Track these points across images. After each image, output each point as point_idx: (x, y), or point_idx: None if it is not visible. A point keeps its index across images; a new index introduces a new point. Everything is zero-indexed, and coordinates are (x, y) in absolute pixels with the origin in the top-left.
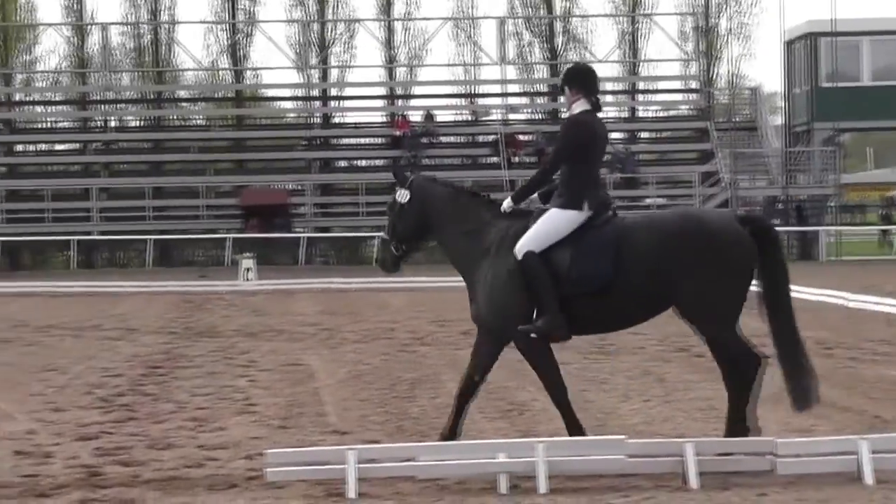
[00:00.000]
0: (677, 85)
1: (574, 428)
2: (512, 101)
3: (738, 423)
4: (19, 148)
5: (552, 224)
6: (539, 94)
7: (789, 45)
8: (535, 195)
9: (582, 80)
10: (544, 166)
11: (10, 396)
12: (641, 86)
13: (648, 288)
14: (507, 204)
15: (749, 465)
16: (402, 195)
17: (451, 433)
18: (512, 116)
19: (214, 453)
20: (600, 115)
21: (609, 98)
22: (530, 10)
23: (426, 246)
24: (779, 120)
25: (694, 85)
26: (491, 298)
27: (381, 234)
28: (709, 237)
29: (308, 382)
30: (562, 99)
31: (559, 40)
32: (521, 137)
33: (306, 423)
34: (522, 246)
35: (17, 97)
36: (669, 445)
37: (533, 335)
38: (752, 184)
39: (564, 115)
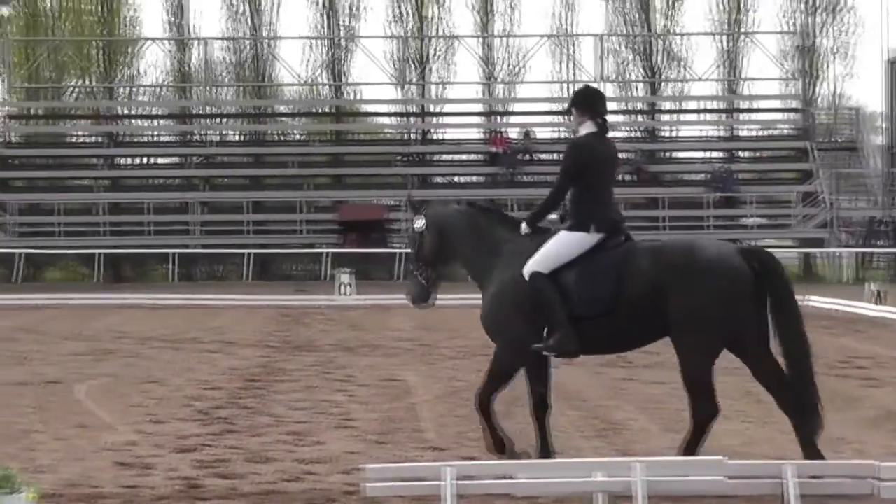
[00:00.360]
0: (777, 104)
1: (544, 443)
2: (610, 118)
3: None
4: (121, 161)
5: (560, 246)
6: (637, 111)
7: (892, 64)
8: (556, 216)
9: (587, 102)
10: (552, 190)
11: (112, 407)
12: (741, 104)
13: (646, 311)
14: (523, 227)
15: (850, 489)
16: (419, 223)
17: (545, 451)
18: (610, 134)
19: (312, 467)
20: (615, 134)
21: (708, 116)
22: (629, 27)
23: (452, 271)
24: (881, 140)
25: (794, 104)
26: (491, 310)
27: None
28: (701, 265)
29: (405, 398)
30: (663, 117)
31: (658, 58)
32: (620, 156)
33: (403, 439)
34: (530, 267)
35: (120, 111)
36: (769, 467)
37: (545, 353)
38: (852, 204)
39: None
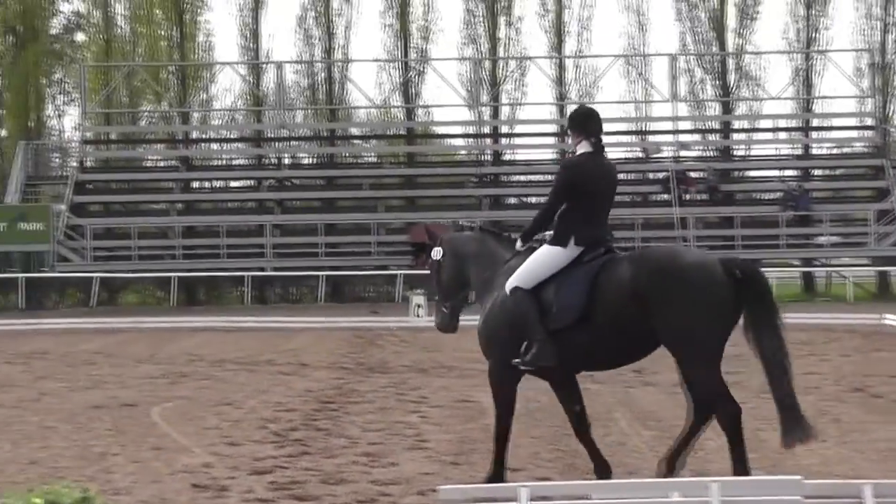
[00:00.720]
0: (852, 122)
1: (498, 463)
2: (683, 138)
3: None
4: (196, 185)
5: (539, 261)
6: (711, 130)
7: None
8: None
9: (580, 122)
10: (543, 207)
11: (187, 430)
12: (815, 123)
13: (627, 320)
14: (518, 245)
15: None
16: (437, 252)
17: (600, 468)
18: (683, 153)
19: (387, 488)
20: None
21: (783, 135)
22: (702, 46)
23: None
24: None
25: (869, 122)
26: (482, 327)
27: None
28: (680, 275)
29: (479, 419)
30: (736, 136)
31: (731, 77)
32: (693, 174)
33: (478, 460)
34: (511, 282)
35: (194, 135)
36: (847, 487)
37: (522, 367)
38: None
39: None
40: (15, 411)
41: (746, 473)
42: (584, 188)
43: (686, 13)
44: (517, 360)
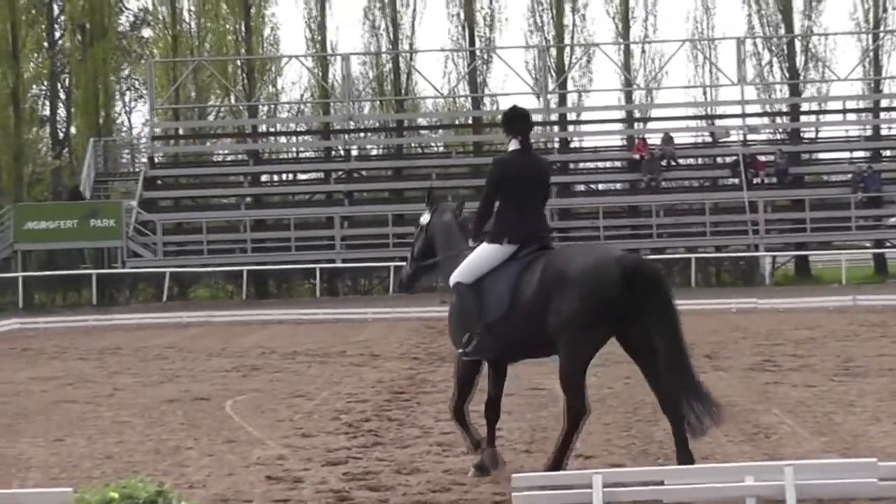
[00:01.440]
0: None
1: (467, 437)
2: (751, 121)
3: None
4: (264, 178)
5: (478, 257)
6: (779, 113)
7: None
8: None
9: (508, 122)
10: (480, 203)
11: (261, 423)
12: (884, 103)
13: (535, 317)
14: (470, 241)
15: None
16: (425, 217)
17: (473, 444)
18: (751, 137)
19: (461, 478)
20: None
21: (851, 116)
22: (769, 29)
23: (429, 278)
24: None
25: None
26: (448, 318)
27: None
28: (573, 273)
29: (551, 406)
30: (803, 118)
31: (799, 59)
32: (762, 158)
33: (551, 448)
34: (454, 277)
35: (262, 128)
36: None
37: (464, 357)
38: None
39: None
40: (89, 407)
41: (556, 469)
42: (512, 183)
43: None
44: (460, 350)
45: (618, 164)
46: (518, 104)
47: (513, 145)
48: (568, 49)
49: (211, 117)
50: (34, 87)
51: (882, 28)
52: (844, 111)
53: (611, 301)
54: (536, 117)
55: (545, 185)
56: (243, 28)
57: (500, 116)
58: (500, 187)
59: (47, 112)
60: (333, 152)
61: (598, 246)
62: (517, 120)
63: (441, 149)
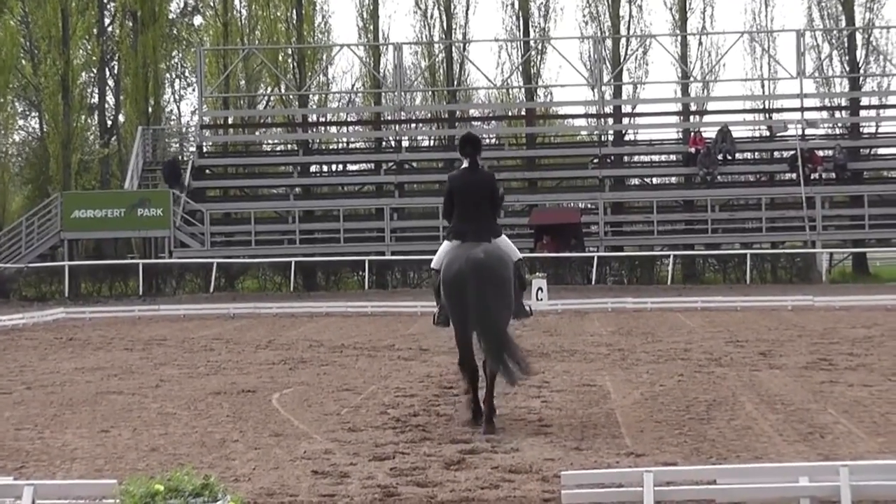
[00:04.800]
0: None
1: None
2: (810, 115)
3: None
4: (314, 169)
5: (441, 249)
6: (839, 108)
7: None
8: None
9: (461, 146)
10: (443, 209)
11: (308, 416)
12: None
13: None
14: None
15: None
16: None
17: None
18: (810, 131)
19: (509, 475)
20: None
21: None
22: (830, 21)
23: None
24: None
25: None
26: None
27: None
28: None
29: (602, 403)
30: (863, 113)
31: (860, 52)
32: (820, 153)
33: (601, 445)
34: (433, 263)
35: (312, 118)
36: None
37: (434, 324)
38: None
39: None
40: (135, 398)
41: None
42: (458, 194)
43: None
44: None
45: (673, 157)
46: (471, 131)
47: (465, 164)
48: (624, 40)
49: (260, 106)
50: (83, 74)
51: None
52: None
53: (456, 290)
54: (590, 110)
55: (487, 195)
56: (294, 16)
57: (552, 108)
58: (452, 198)
59: (96, 100)
60: (384, 143)
61: (474, 247)
62: (467, 144)
63: (493, 140)
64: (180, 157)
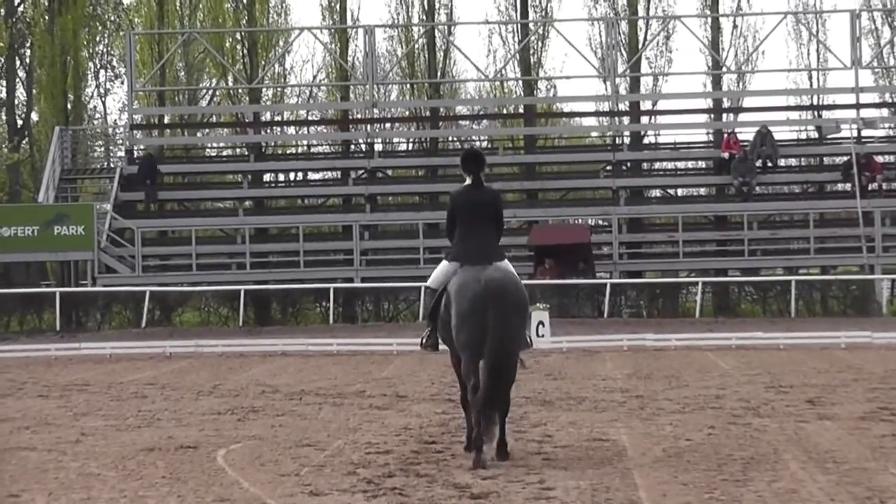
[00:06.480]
0: None
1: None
2: (867, 113)
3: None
4: (268, 178)
5: (439, 269)
6: None
7: None
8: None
9: (463, 163)
10: (446, 228)
11: (260, 477)
12: None
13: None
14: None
15: None
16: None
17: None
18: (868, 133)
19: None
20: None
21: None
22: (891, 0)
23: None
24: None
25: None
26: None
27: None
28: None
29: (616, 462)
30: None
31: None
32: (879, 159)
33: None
34: (428, 282)
35: (266, 117)
36: None
37: (420, 347)
38: None
39: None
40: (51, 455)
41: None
42: (461, 213)
43: None
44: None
45: (702, 164)
46: (473, 146)
47: (468, 181)
48: (642, 23)
49: (204, 102)
50: None
51: None
52: None
53: (471, 314)
54: (601, 106)
55: (491, 214)
56: None
57: (556, 104)
58: (454, 218)
59: (3, 94)
60: (353, 146)
61: (486, 269)
62: (471, 162)
63: (485, 143)
64: (153, 154)
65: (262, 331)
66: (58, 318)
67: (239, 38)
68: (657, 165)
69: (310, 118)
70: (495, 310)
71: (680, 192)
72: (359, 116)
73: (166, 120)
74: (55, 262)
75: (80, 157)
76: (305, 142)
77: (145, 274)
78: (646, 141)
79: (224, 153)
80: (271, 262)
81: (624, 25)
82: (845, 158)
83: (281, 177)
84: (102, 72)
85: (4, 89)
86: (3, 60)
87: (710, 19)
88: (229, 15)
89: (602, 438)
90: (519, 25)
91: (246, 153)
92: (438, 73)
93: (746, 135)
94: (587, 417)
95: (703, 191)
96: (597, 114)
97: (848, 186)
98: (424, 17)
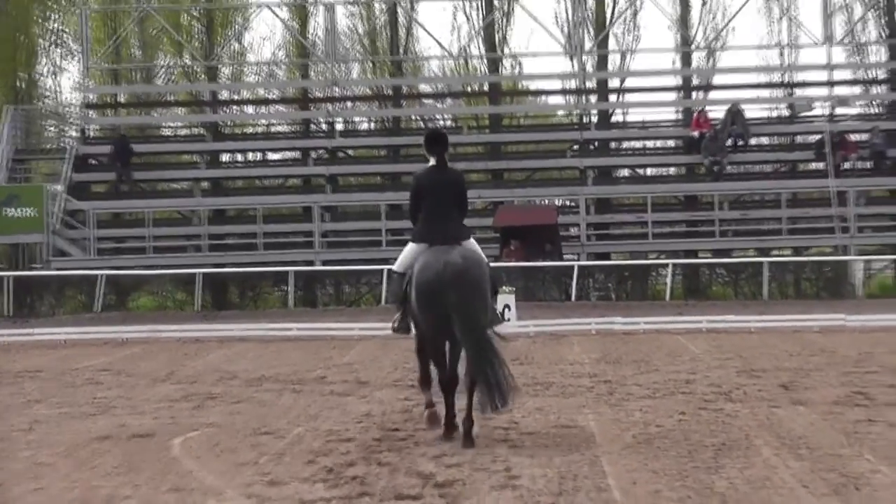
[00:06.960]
0: None
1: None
2: (840, 91)
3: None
4: (225, 158)
5: (404, 252)
6: (875, 81)
7: None
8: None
9: (426, 144)
10: (409, 210)
11: (217, 467)
12: None
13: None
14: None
15: None
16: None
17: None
18: (841, 111)
19: None
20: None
21: None
22: None
23: None
24: None
25: None
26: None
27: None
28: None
29: (584, 449)
30: None
31: None
32: (853, 138)
33: (583, 501)
34: (394, 266)
35: (224, 95)
36: None
37: (392, 331)
38: None
39: None
40: (2, 444)
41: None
42: (425, 195)
43: None
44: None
45: (671, 143)
46: (437, 127)
47: (432, 162)
48: None
49: (159, 81)
50: None
51: None
52: None
53: (434, 294)
54: (569, 83)
55: (456, 195)
56: None
57: (521, 82)
58: (418, 197)
59: None
60: (313, 126)
61: (448, 251)
62: (433, 142)
63: (450, 122)
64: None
65: (220, 315)
66: (9, 303)
67: (196, 14)
68: (625, 144)
69: (269, 97)
70: (457, 292)
71: (649, 171)
72: (319, 95)
73: (121, 99)
74: (6, 245)
75: (33, 137)
76: (264, 121)
77: (99, 257)
78: (614, 119)
79: (180, 133)
80: (229, 244)
81: (591, 1)
82: (818, 137)
83: (239, 157)
84: (55, 49)
85: None
86: None
87: None
88: None
89: (570, 425)
90: (483, 1)
91: (203, 133)
92: (401, 51)
93: (717, 113)
94: (554, 403)
95: (672, 170)
96: (563, 92)
97: (821, 165)
98: None
